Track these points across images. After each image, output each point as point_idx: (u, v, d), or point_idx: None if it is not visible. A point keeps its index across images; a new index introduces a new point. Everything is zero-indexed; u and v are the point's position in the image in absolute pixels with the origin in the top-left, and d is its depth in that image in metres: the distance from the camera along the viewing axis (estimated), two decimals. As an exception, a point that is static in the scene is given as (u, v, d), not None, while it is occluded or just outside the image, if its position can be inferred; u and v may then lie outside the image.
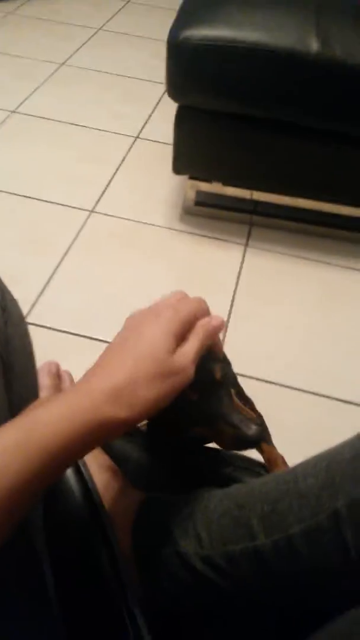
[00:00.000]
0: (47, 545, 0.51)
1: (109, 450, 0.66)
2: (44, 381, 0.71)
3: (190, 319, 0.48)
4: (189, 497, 0.57)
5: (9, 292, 0.56)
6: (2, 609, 0.43)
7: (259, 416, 0.62)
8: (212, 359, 0.51)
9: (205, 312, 0.51)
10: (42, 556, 0.50)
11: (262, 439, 0.51)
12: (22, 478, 0.37)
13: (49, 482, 0.40)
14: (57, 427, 0.39)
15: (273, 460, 0.70)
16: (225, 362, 0.54)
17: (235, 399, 0.52)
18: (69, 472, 0.59)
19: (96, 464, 0.61)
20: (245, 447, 0.53)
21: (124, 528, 0.56)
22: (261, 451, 0.70)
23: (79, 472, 0.59)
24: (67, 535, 0.55)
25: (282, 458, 0.70)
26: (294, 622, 0.49)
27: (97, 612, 0.52)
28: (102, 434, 0.42)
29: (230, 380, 0.53)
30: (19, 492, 0.37)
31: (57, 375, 0.74)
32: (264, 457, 0.70)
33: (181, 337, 0.47)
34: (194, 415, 0.51)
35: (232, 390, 0.53)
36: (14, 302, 0.55)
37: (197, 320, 0.49)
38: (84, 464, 0.60)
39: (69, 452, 0.40)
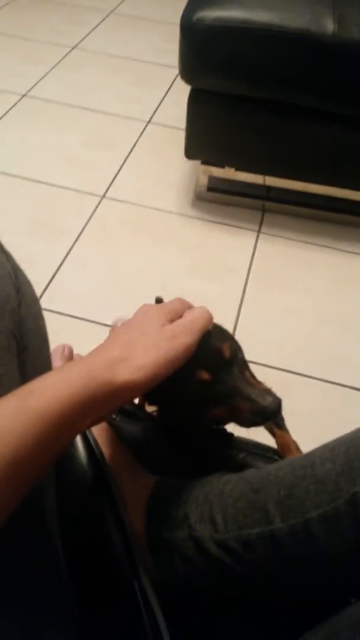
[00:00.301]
0: (59, 520, 0.51)
1: (119, 435, 0.65)
2: (57, 364, 0.70)
3: (174, 312, 0.50)
4: (204, 481, 0.56)
5: (22, 274, 0.55)
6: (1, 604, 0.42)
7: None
8: (218, 338, 0.52)
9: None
10: (55, 540, 0.50)
11: (279, 410, 0.51)
12: (23, 446, 0.37)
13: (53, 452, 0.40)
14: (54, 393, 0.40)
15: (286, 446, 0.69)
16: (234, 342, 0.54)
17: (247, 376, 0.52)
18: (80, 446, 0.59)
19: (109, 446, 0.61)
20: (265, 419, 0.52)
21: (137, 511, 0.56)
22: (274, 437, 0.70)
23: (88, 445, 0.59)
24: (74, 503, 0.55)
25: (295, 444, 0.70)
26: (308, 606, 0.49)
27: (109, 590, 0.52)
28: (101, 400, 0.41)
29: (240, 360, 0.53)
30: (20, 461, 0.36)
31: (70, 358, 0.74)
32: (277, 443, 0.70)
33: (171, 322, 0.49)
34: (209, 396, 0.51)
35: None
36: (27, 283, 0.55)
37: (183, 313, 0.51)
38: (96, 443, 0.60)
39: (69, 419, 0.40)
